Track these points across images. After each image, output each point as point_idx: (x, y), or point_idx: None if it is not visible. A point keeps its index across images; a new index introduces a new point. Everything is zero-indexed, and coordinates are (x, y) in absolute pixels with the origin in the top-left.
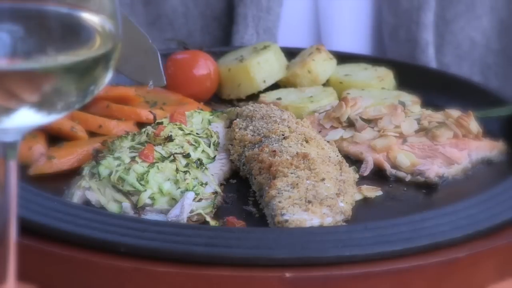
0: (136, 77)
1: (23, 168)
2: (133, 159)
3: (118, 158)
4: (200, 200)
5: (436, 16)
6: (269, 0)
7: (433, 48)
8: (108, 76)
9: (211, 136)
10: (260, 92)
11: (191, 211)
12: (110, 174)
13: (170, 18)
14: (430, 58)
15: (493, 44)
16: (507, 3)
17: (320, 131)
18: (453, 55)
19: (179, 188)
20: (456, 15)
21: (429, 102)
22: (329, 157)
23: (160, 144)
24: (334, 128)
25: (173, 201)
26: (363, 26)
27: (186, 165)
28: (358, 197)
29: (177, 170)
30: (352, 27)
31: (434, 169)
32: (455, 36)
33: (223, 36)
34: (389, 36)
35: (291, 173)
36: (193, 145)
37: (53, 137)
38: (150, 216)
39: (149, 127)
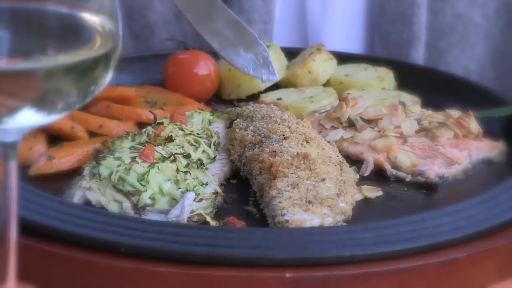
0: (248, 70)
1: (24, 168)
2: (133, 159)
3: (118, 158)
4: (200, 200)
5: (430, 46)
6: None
7: None
8: (109, 76)
9: (212, 136)
10: (261, 92)
11: (192, 211)
12: (110, 174)
13: (153, 29)
14: None
15: (487, 73)
16: (501, 31)
17: (320, 131)
18: None
19: (179, 188)
20: (449, 45)
21: (429, 102)
22: (330, 157)
23: (161, 144)
24: (334, 128)
25: (174, 201)
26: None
27: (187, 165)
28: (359, 197)
29: (177, 170)
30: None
31: (434, 170)
32: (449, 66)
33: None
34: None
35: (292, 174)
36: (194, 145)
37: (53, 137)
38: (150, 216)
39: (149, 127)
